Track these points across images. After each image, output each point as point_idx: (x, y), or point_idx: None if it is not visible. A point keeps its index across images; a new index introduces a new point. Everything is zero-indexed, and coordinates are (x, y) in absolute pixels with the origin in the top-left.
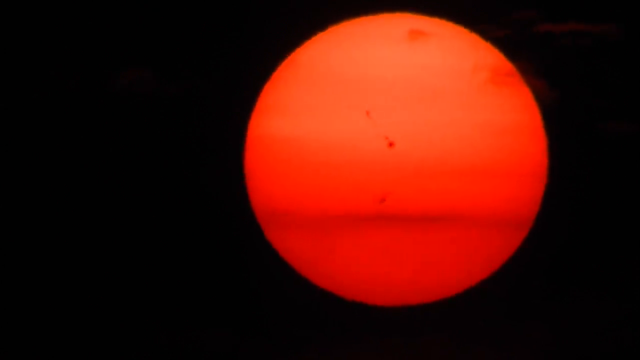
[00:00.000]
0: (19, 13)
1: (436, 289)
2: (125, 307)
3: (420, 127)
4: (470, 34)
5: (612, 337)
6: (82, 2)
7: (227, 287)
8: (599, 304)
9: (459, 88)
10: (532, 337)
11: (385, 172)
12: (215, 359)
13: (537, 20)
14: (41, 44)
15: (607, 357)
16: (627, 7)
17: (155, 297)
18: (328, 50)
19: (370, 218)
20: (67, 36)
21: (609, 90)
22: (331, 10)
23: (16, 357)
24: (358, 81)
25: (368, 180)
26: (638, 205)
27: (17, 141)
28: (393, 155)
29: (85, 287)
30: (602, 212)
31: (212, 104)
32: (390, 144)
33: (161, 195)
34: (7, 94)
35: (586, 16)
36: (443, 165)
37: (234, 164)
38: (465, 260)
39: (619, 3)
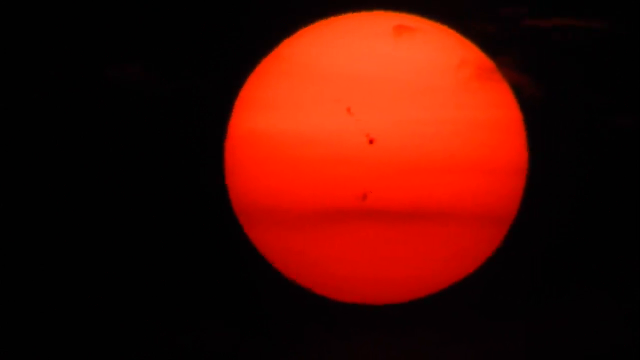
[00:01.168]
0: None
1: (418, 286)
2: (111, 307)
3: (402, 123)
4: (452, 30)
5: (594, 332)
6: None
7: (207, 285)
8: (580, 300)
9: (441, 85)
10: (514, 334)
11: (367, 169)
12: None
13: (525, 15)
14: (35, 41)
15: (588, 355)
16: (614, 3)
17: (133, 296)
18: (311, 45)
19: (351, 215)
20: (54, 32)
21: (597, 86)
22: (315, 7)
23: (13, 357)
24: (341, 77)
25: (350, 177)
26: (621, 201)
27: (9, 139)
28: (375, 151)
29: (80, 286)
30: (584, 208)
31: (192, 99)
32: (371, 141)
33: (139, 193)
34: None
35: (573, 12)
36: (424, 161)
37: (214, 159)
38: (447, 256)
39: None
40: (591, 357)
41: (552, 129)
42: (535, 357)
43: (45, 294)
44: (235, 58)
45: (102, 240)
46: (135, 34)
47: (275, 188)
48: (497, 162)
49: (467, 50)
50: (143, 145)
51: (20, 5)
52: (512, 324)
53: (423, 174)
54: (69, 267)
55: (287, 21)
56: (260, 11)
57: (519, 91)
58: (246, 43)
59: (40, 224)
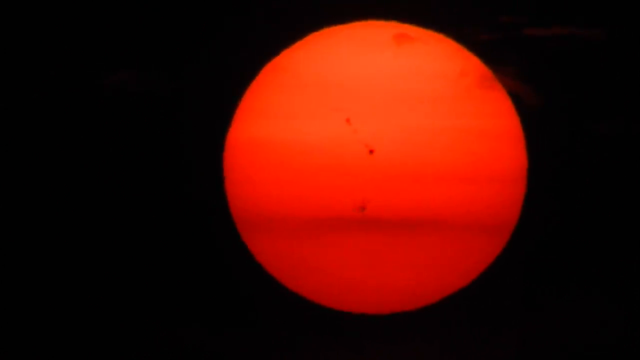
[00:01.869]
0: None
1: (417, 295)
2: (109, 311)
3: (401, 132)
4: (451, 40)
5: (594, 332)
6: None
7: (205, 292)
8: (580, 307)
9: (440, 94)
10: (514, 340)
11: (366, 177)
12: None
13: (524, 25)
14: (34, 45)
15: (588, 355)
16: (612, 11)
17: (129, 301)
18: (311, 55)
19: (350, 224)
20: (52, 35)
21: (594, 94)
22: (314, 17)
23: (13, 357)
24: (340, 86)
25: (349, 186)
26: (620, 207)
27: (9, 140)
28: (374, 160)
29: (78, 289)
30: (584, 216)
31: (193, 107)
32: (371, 152)
33: (139, 199)
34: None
35: (572, 21)
36: (423, 170)
37: (213, 167)
38: (447, 266)
39: (604, 7)
40: (591, 357)
41: (551, 138)
42: (535, 358)
43: (43, 295)
44: (236, 67)
45: (100, 245)
46: (134, 41)
47: (274, 197)
48: (496, 171)
49: (466, 60)
50: (142, 152)
51: (21, 10)
52: (512, 331)
53: (422, 182)
54: (71, 268)
55: (286, 31)
56: (259, 21)
57: (518, 100)
58: (246, 53)
59: (38, 225)
